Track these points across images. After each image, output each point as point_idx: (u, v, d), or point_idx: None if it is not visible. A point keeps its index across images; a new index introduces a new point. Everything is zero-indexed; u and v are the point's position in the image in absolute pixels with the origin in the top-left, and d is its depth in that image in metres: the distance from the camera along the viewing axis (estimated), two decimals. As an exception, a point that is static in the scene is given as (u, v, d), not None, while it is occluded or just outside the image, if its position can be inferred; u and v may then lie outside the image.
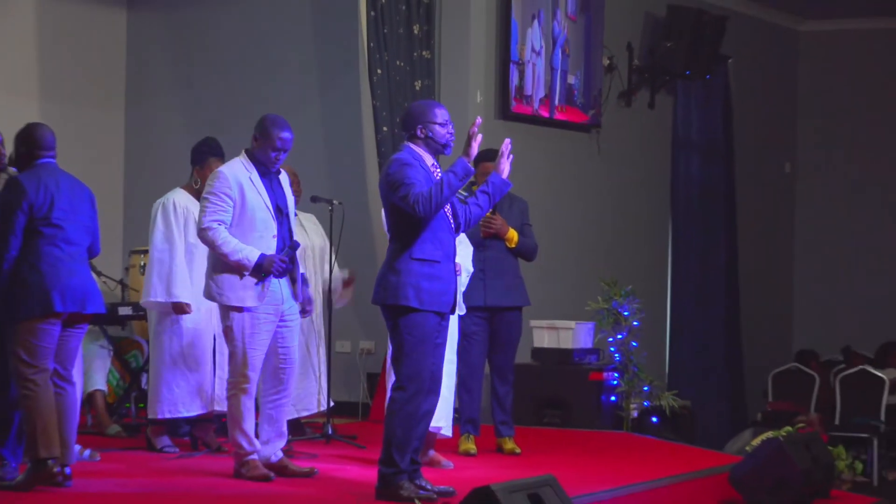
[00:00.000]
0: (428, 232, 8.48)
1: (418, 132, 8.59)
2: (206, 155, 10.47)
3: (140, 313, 11.51)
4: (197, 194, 10.29)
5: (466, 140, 8.37)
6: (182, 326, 10.47)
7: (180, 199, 10.47)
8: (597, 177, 14.81)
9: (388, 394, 8.85)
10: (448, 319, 8.84)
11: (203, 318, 10.23)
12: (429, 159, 8.57)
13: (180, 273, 10.34)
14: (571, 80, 14.47)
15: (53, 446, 8.72)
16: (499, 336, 10.85)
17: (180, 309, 10.38)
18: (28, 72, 13.64)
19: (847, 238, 18.58)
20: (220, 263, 9.39)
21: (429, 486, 8.39)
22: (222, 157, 10.16)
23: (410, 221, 8.43)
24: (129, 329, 11.95)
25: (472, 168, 8.50)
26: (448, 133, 8.63)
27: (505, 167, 8.52)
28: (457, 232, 8.73)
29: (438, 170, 8.60)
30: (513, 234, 10.53)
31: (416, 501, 8.24)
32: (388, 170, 8.50)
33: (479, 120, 8.53)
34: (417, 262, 8.49)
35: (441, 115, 8.63)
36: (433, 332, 8.63)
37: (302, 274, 9.81)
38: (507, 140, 8.61)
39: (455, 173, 8.34)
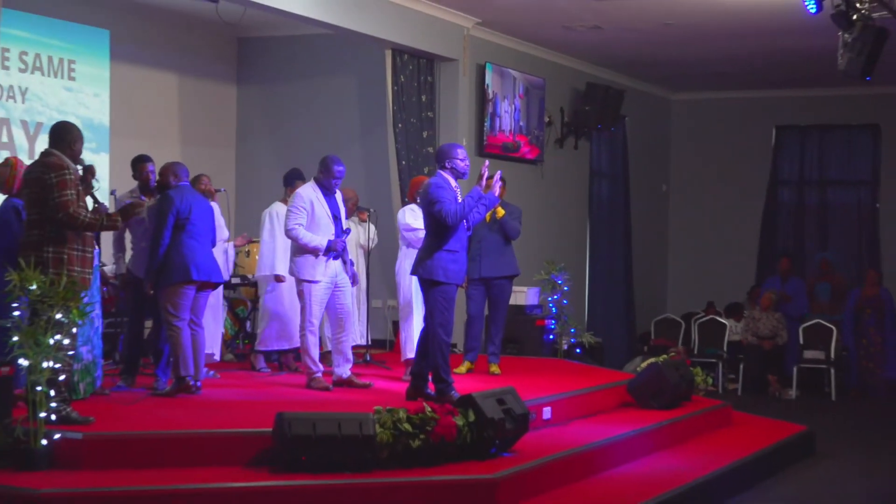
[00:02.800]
0: (452, 231, 8.72)
1: (446, 164, 8.97)
2: (294, 179, 10.67)
3: (245, 282, 11.65)
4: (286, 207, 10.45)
5: (487, 183, 8.74)
6: (279, 290, 10.56)
7: (279, 209, 10.62)
8: (541, 194, 14.95)
9: (422, 334, 9.20)
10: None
11: (289, 285, 10.38)
12: (452, 182, 8.94)
13: (279, 257, 10.44)
14: (523, 130, 14.59)
15: (189, 367, 9.08)
16: (492, 297, 10.95)
17: (279, 279, 10.52)
18: (171, 126, 13.76)
19: (703, 233, 18.61)
20: (298, 251, 9.67)
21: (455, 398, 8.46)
22: (304, 180, 10.32)
23: (442, 225, 8.69)
24: (238, 292, 12.08)
25: (492, 199, 8.89)
26: (465, 165, 9.04)
27: (496, 189, 8.79)
28: (468, 231, 9.02)
29: (459, 189, 8.98)
30: (500, 210, 10.58)
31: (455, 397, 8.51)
32: (427, 189, 8.86)
33: (498, 172, 8.96)
34: (445, 252, 8.81)
35: (461, 153, 9.04)
36: (453, 297, 8.96)
37: (351, 261, 9.97)
38: (499, 172, 8.99)
39: (473, 199, 8.73)
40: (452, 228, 8.76)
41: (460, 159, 8.96)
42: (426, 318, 9.13)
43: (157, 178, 9.54)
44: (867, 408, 14.41)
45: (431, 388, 8.96)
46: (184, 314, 9.15)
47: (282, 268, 10.51)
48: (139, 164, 9.90)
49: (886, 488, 9.79)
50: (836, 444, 11.53)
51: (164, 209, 9.14)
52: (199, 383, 9.23)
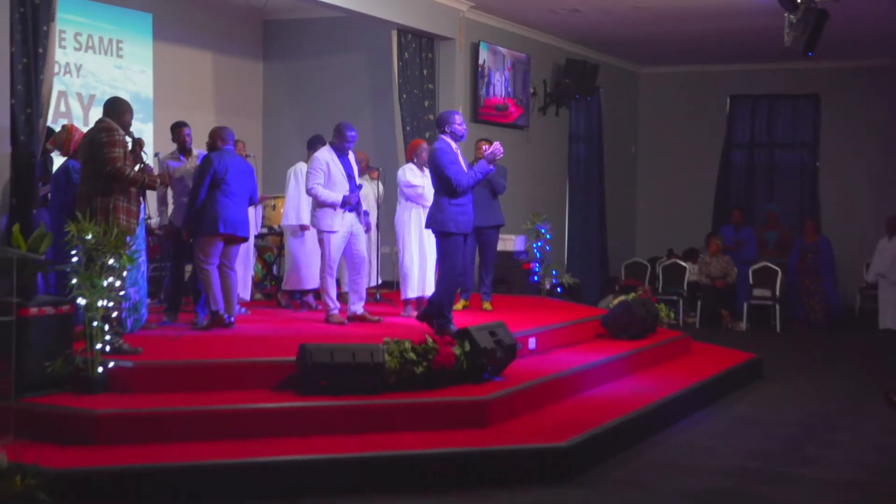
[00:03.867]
0: (454, 190, 8.81)
1: (446, 129, 8.90)
2: (316, 143, 10.58)
3: (272, 231, 11.62)
4: None
5: (490, 156, 8.80)
6: (304, 238, 10.55)
7: (301, 167, 10.62)
8: (527, 155, 14.90)
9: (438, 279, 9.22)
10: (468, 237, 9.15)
11: (311, 234, 10.38)
12: (453, 145, 8.87)
13: (303, 209, 10.43)
14: (511, 95, 14.51)
15: (220, 304, 9.16)
16: (482, 244, 10.93)
17: (304, 228, 10.48)
18: (206, 98, 13.73)
19: (666, 188, 18.56)
20: (318, 205, 9.68)
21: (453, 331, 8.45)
22: (325, 143, 10.29)
23: (447, 183, 8.74)
24: (266, 240, 12.06)
25: (492, 168, 8.95)
26: (463, 129, 8.98)
27: (491, 160, 8.84)
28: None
29: (459, 150, 8.93)
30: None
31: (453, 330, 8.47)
32: (434, 155, 8.80)
33: (499, 145, 8.91)
34: (454, 206, 8.81)
35: (458, 118, 9.00)
36: (461, 245, 8.94)
37: (366, 211, 9.97)
38: (500, 147, 8.89)
39: (480, 171, 8.82)
40: (457, 186, 8.73)
41: (458, 124, 8.90)
42: (438, 263, 9.13)
43: (208, 140, 9.50)
44: (807, 339, 14.46)
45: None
46: (213, 259, 9.16)
47: (305, 218, 10.45)
48: (177, 128, 9.89)
49: (820, 406, 9.83)
50: (779, 369, 11.61)
51: (203, 169, 9.13)
52: (232, 319, 9.22)
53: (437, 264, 9.41)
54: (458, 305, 10.67)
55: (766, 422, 9.11)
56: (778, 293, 15.21)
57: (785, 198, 17.51)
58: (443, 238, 8.88)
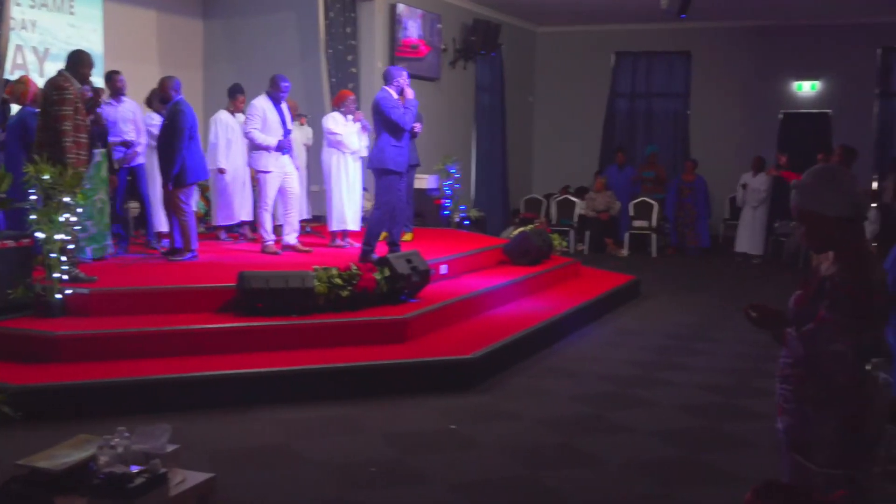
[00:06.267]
0: (399, 130, 8.77)
1: (392, 83, 8.81)
2: (235, 92, 10.42)
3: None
4: (230, 113, 10.31)
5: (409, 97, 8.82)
6: (223, 178, 10.31)
7: (222, 115, 10.39)
8: (439, 104, 14.79)
9: (373, 211, 9.06)
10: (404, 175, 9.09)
11: (231, 173, 10.18)
12: (395, 95, 8.77)
13: (222, 153, 10.21)
14: (425, 41, 14.31)
15: (196, 241, 9.15)
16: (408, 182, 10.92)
17: (221, 171, 10.23)
18: (150, 51, 13.30)
19: (560, 132, 18.61)
20: (254, 148, 9.52)
21: (375, 259, 8.44)
22: (243, 93, 10.13)
23: (393, 127, 8.68)
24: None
25: (414, 101, 8.88)
26: (405, 83, 8.83)
27: (409, 95, 8.81)
28: (409, 130, 8.96)
29: (398, 101, 8.79)
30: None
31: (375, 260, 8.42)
32: (379, 102, 8.72)
33: (412, 90, 8.89)
34: (394, 147, 8.76)
35: (400, 74, 8.89)
36: (397, 182, 8.89)
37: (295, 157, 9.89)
38: (412, 91, 8.93)
39: (412, 109, 8.80)
40: (402, 128, 8.72)
41: (403, 80, 8.82)
42: (376, 198, 9.02)
43: (160, 91, 9.26)
44: (679, 263, 14.74)
45: (378, 253, 8.82)
46: (192, 202, 9.10)
47: (223, 161, 10.23)
48: (113, 75, 9.69)
49: (689, 320, 10.06)
50: (655, 288, 11.83)
51: (178, 122, 8.83)
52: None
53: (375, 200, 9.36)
54: (407, 237, 10.68)
55: (643, 333, 9.27)
56: (654, 224, 15.46)
57: (661, 142, 17.67)
58: (384, 175, 8.79)
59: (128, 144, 9.41)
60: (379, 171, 8.80)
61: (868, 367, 3.10)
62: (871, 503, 3.15)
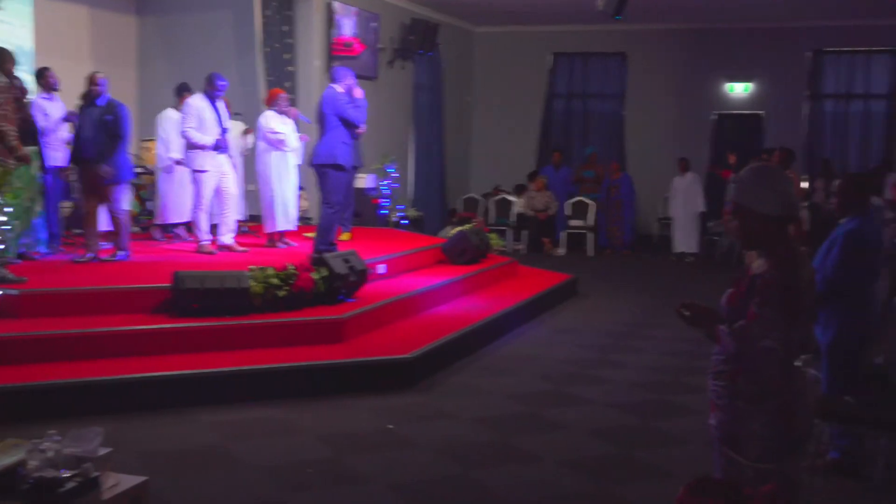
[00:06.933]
0: (349, 129, 8.80)
1: (340, 82, 8.91)
2: (182, 90, 10.29)
3: (146, 171, 11.24)
4: (177, 111, 10.09)
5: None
6: (174, 175, 10.26)
7: (169, 113, 10.28)
8: (378, 103, 14.61)
9: (323, 210, 8.94)
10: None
11: (181, 172, 10.08)
12: (343, 90, 8.84)
13: (173, 148, 10.14)
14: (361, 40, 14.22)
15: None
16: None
17: (180, 163, 10.06)
18: (83, 48, 13.05)
19: (497, 132, 18.65)
20: (190, 147, 9.38)
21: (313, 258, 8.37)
22: (190, 91, 9.97)
23: (345, 123, 8.72)
24: (142, 179, 11.64)
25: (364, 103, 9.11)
26: (352, 83, 8.98)
27: (359, 94, 9.01)
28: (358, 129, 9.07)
29: (347, 97, 8.89)
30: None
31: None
32: (333, 99, 8.75)
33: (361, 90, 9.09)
34: (345, 144, 8.77)
35: (349, 74, 8.99)
36: (347, 179, 8.95)
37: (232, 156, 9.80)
38: (362, 90, 9.10)
39: (361, 107, 8.96)
40: (355, 125, 8.77)
41: (349, 77, 8.88)
42: (326, 196, 8.93)
43: (90, 85, 9.02)
44: (614, 261, 14.89)
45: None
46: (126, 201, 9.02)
47: (175, 155, 10.13)
48: (45, 72, 9.55)
49: (624, 318, 10.15)
50: (592, 287, 11.93)
51: (123, 118, 8.64)
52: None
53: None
54: (345, 236, 10.62)
55: (580, 332, 9.34)
56: (590, 223, 15.60)
57: (597, 142, 17.82)
58: (334, 172, 8.75)
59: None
60: (329, 168, 8.74)
61: (797, 364, 3.18)
62: (799, 496, 3.22)
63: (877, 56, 16.44)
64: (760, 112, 17.06)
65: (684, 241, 14.94)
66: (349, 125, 8.75)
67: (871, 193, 5.94)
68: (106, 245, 9.05)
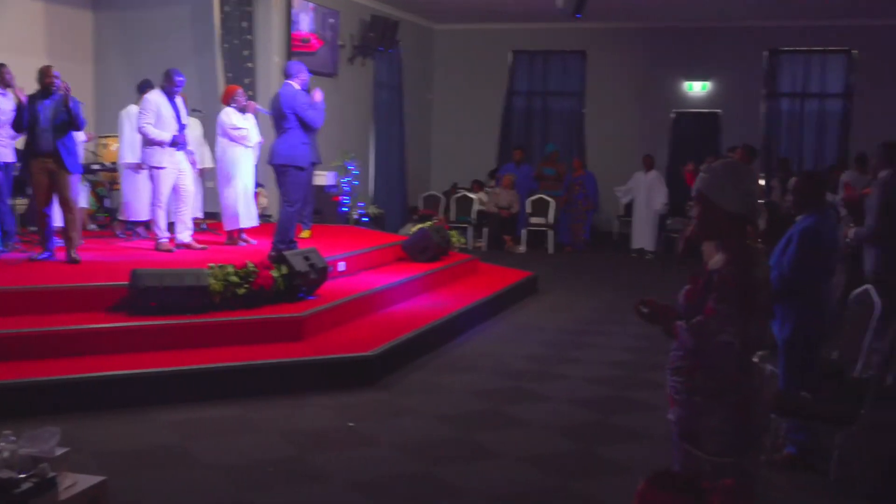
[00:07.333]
0: (309, 129, 8.77)
1: (296, 77, 8.77)
2: (146, 87, 10.17)
3: (104, 168, 11.13)
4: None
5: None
6: (138, 174, 10.16)
7: (133, 109, 10.20)
8: (338, 101, 14.59)
9: (283, 208, 8.90)
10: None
11: (145, 171, 10.00)
12: (300, 86, 8.75)
13: (136, 148, 10.02)
14: (319, 36, 14.15)
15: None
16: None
17: (138, 167, 10.05)
18: (37, 43, 12.88)
19: (457, 129, 18.65)
20: (147, 143, 9.30)
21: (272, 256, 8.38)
22: (154, 88, 9.87)
23: (305, 124, 8.67)
24: (98, 176, 11.52)
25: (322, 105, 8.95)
26: (307, 78, 8.87)
27: (319, 97, 8.87)
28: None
29: (306, 97, 8.80)
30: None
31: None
32: (292, 97, 8.63)
33: (321, 92, 8.99)
34: (304, 144, 8.72)
35: (303, 69, 8.89)
36: (307, 177, 8.94)
37: (191, 150, 9.66)
38: (322, 92, 9.02)
39: (319, 109, 8.85)
40: (314, 126, 8.75)
41: (303, 73, 8.80)
42: (287, 195, 8.86)
43: (45, 79, 8.85)
44: (574, 258, 14.97)
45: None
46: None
47: (130, 159, 10.13)
48: (1, 68, 9.37)
49: (583, 315, 10.23)
50: (552, 284, 11.99)
51: (77, 112, 8.51)
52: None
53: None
54: (305, 234, 10.58)
55: (540, 329, 9.39)
56: (551, 220, 15.66)
57: (557, 140, 17.90)
58: (294, 171, 8.70)
59: None
60: (288, 168, 8.69)
61: (755, 359, 3.22)
62: (756, 490, 3.26)
63: (832, 56, 16.68)
64: (718, 110, 17.23)
65: (644, 238, 15.06)
66: (308, 127, 8.72)
67: (827, 191, 6.01)
68: (59, 242, 8.92)
